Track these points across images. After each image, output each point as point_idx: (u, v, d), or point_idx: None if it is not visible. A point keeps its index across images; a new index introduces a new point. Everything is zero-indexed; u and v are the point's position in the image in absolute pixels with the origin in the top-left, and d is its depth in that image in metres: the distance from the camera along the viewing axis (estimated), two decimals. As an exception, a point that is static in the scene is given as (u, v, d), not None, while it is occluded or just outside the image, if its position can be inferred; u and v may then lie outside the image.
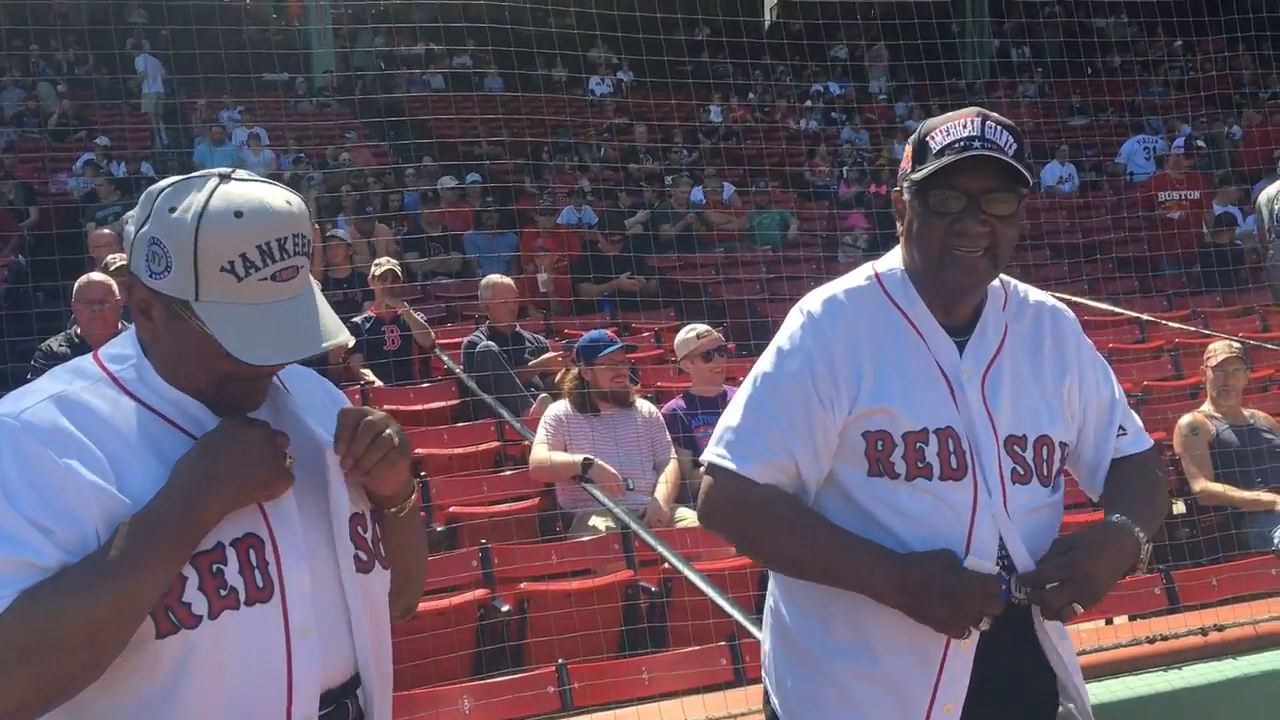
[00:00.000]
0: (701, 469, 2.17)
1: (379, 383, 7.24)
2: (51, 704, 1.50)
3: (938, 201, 2.00)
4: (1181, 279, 9.64)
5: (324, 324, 1.61)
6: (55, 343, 6.07)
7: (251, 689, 1.58)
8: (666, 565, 4.48)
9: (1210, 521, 5.25)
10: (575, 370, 5.61)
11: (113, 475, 1.54)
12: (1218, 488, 5.37)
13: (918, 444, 2.01)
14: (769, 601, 2.24)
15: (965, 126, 2.00)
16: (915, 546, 1.99)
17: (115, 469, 1.54)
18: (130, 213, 1.66)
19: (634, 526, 4.69)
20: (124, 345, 1.68)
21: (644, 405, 5.64)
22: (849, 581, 2.01)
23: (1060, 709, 2.13)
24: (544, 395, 6.33)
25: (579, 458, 5.20)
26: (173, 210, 1.56)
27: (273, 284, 1.56)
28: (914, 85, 17.15)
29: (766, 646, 2.23)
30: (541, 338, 7.41)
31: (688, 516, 5.21)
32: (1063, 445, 2.11)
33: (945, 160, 1.97)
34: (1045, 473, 2.07)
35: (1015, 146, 2.00)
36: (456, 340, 7.95)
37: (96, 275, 6.09)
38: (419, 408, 6.79)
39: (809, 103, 18.61)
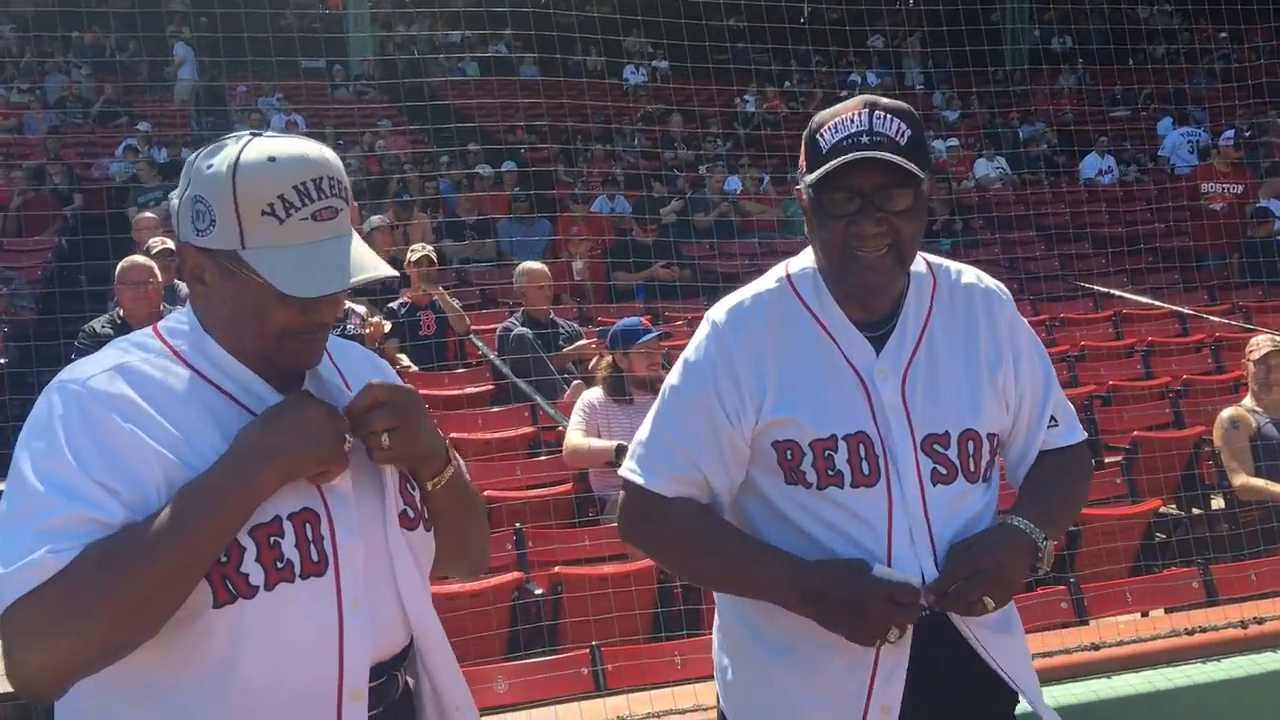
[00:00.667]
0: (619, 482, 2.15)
1: (414, 367, 7.29)
2: (106, 658, 1.52)
3: (830, 204, 1.93)
4: (1225, 271, 9.53)
5: (365, 259, 1.63)
6: (98, 324, 6.14)
7: (305, 661, 1.61)
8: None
9: (1250, 516, 5.19)
10: (609, 357, 5.63)
11: (173, 443, 1.57)
12: (1258, 482, 5.32)
13: (826, 451, 1.96)
14: (717, 601, 2.21)
15: (852, 121, 1.92)
16: (837, 554, 1.95)
17: (175, 438, 1.58)
18: (173, 193, 1.69)
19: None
20: (181, 320, 1.71)
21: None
22: (756, 590, 2.00)
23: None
24: (577, 381, 6.35)
25: (612, 444, 5.22)
26: (209, 167, 1.60)
27: (314, 223, 1.59)
28: (955, 73, 16.99)
29: (715, 645, 2.20)
30: (575, 325, 7.43)
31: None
32: (991, 437, 2.03)
33: (833, 164, 1.89)
34: (972, 469, 1.99)
35: (909, 133, 1.92)
36: (491, 326, 7.99)
37: (139, 257, 6.16)
38: (454, 392, 6.82)
39: (845, 92, 18.50)
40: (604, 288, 9.29)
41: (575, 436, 5.39)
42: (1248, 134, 13.63)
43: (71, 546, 1.48)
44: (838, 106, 1.98)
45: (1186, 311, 8.70)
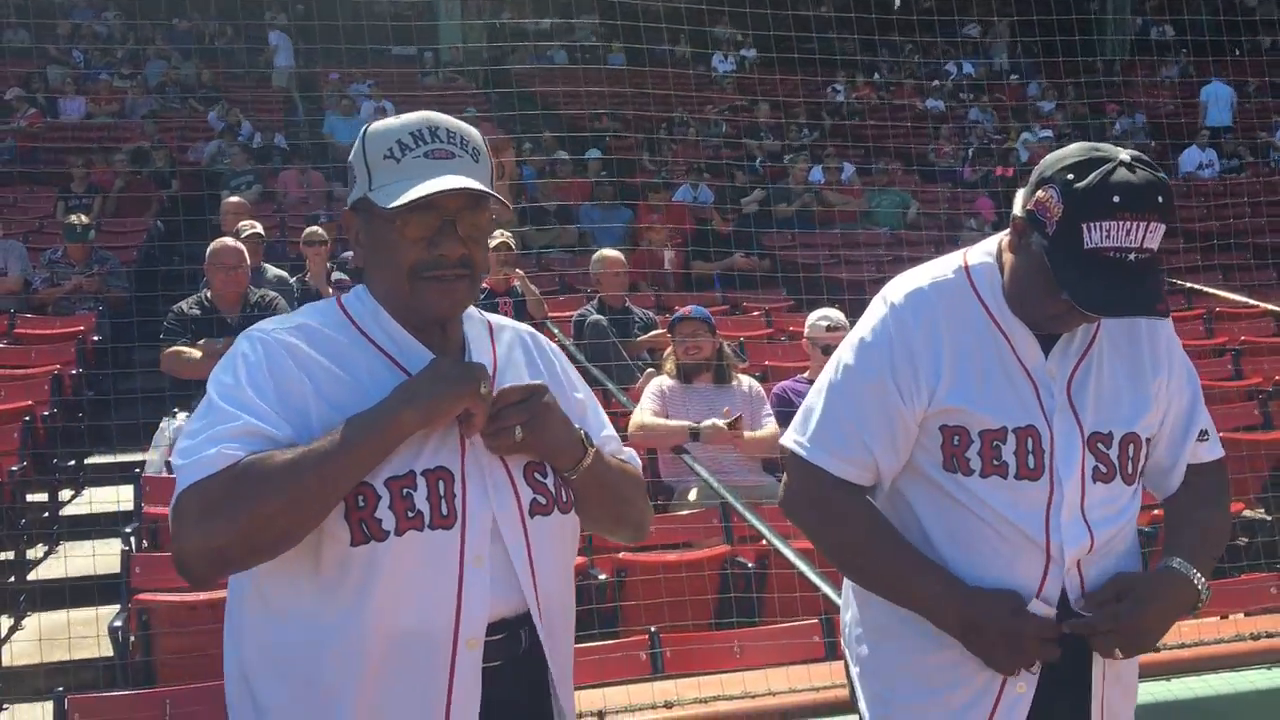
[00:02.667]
0: (781, 455, 2.20)
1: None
2: (254, 554, 1.71)
3: (1062, 305, 1.95)
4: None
5: (475, 182, 1.78)
6: (186, 304, 6.33)
7: (426, 603, 1.75)
8: (764, 542, 4.49)
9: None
10: (671, 345, 5.69)
11: (334, 393, 1.77)
12: (1346, 487, 5.16)
13: (994, 442, 2.00)
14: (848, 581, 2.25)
15: (1129, 234, 1.87)
16: (988, 546, 1.99)
17: (337, 389, 1.78)
18: None
19: (732, 502, 4.71)
20: (360, 293, 1.90)
21: (745, 380, 5.66)
22: (914, 605, 2.04)
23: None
24: (650, 369, 6.39)
25: (685, 424, 5.26)
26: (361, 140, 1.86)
27: (428, 160, 1.79)
28: (1045, 63, 16.61)
29: (846, 618, 2.25)
30: (651, 313, 7.45)
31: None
32: (1148, 442, 2.09)
33: (1092, 286, 1.90)
34: (1130, 470, 2.05)
35: (1163, 232, 1.90)
36: (568, 313, 8.05)
37: (229, 240, 6.33)
38: (529, 378, 6.89)
39: (936, 81, 18.21)
40: (681, 276, 9.30)
41: (644, 415, 5.42)
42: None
43: (240, 449, 1.68)
44: (1110, 195, 1.87)
45: (1282, 310, 8.44)
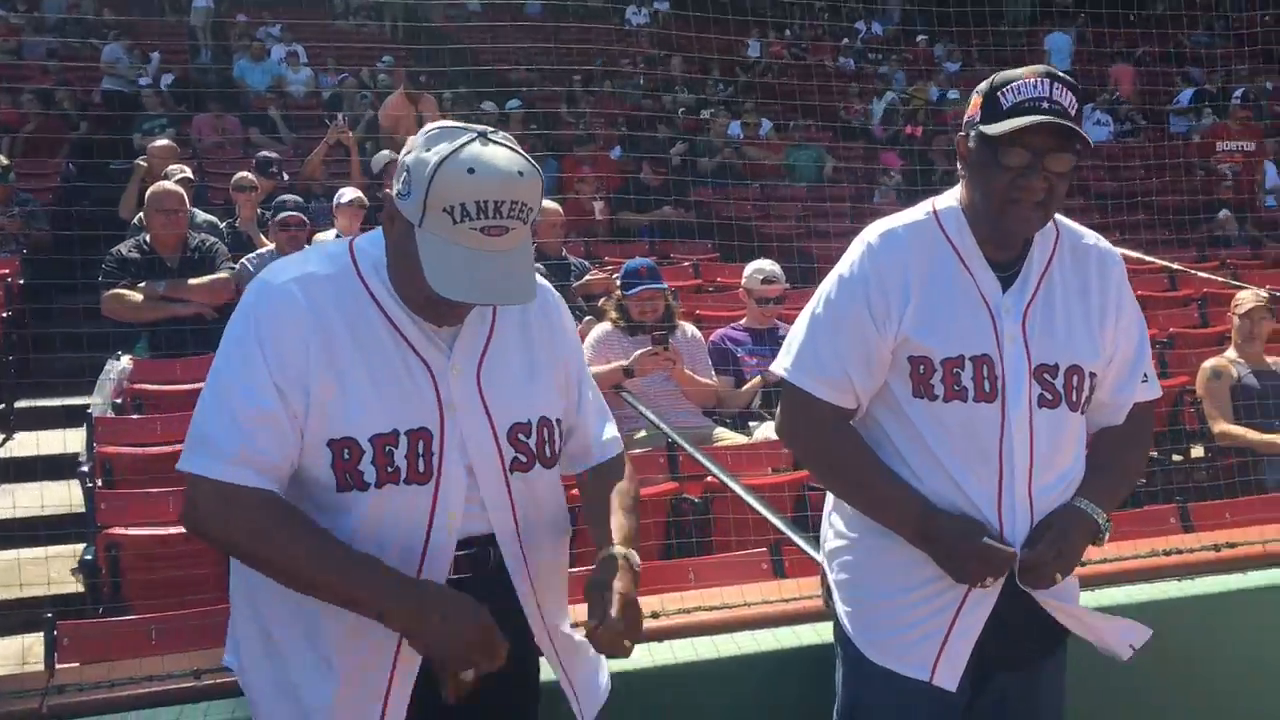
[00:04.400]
0: (773, 378, 2.46)
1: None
2: (242, 559, 1.97)
3: (1006, 156, 2.18)
4: (1216, 227, 9.71)
5: (512, 286, 1.86)
6: (125, 248, 6.32)
7: (395, 546, 1.94)
8: (709, 479, 4.74)
9: (1229, 463, 5.47)
10: (617, 293, 5.84)
11: (332, 359, 1.90)
12: (1237, 429, 5.60)
13: (954, 369, 2.25)
14: (829, 495, 2.52)
15: (1035, 87, 2.18)
16: (951, 461, 2.25)
17: (335, 355, 1.90)
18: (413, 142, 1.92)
19: (679, 440, 4.94)
20: (376, 243, 1.99)
21: (688, 327, 5.87)
22: (884, 519, 2.32)
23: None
24: (589, 317, 6.56)
25: (619, 364, 5.43)
26: (429, 150, 1.85)
27: (480, 235, 1.82)
28: (956, 29, 17.00)
29: (827, 531, 2.51)
30: (585, 262, 7.62)
31: (726, 437, 5.47)
32: (1092, 375, 2.32)
33: (1019, 122, 2.15)
34: (1074, 399, 2.29)
35: (1076, 106, 2.19)
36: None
37: (170, 184, 6.33)
38: (467, 324, 7.02)
39: (846, 40, 18.51)
40: (610, 226, 9.48)
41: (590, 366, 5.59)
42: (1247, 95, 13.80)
43: (263, 480, 1.86)
44: (1018, 71, 2.23)
45: (1175, 267, 8.93)
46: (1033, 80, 2.19)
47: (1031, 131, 2.15)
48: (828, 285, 2.38)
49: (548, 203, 7.44)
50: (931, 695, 2.31)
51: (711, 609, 2.83)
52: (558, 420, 2.11)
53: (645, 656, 2.71)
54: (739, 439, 5.42)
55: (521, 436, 2.02)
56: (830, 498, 2.52)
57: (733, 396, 5.73)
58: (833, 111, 14.60)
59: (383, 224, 1.96)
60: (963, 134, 2.29)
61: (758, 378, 5.77)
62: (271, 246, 6.75)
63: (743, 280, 6.03)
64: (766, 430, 5.49)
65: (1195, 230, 10.04)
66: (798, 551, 4.19)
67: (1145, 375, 2.41)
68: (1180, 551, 3.11)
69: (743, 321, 6.02)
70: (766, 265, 6.01)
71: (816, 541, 4.10)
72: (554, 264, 7.05)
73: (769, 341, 5.89)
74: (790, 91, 13.49)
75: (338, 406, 1.90)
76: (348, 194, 7.62)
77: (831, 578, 2.47)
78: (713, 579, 3.92)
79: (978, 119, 2.24)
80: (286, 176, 9.40)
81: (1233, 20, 19.74)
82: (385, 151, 9.12)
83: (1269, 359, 5.87)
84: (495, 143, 1.85)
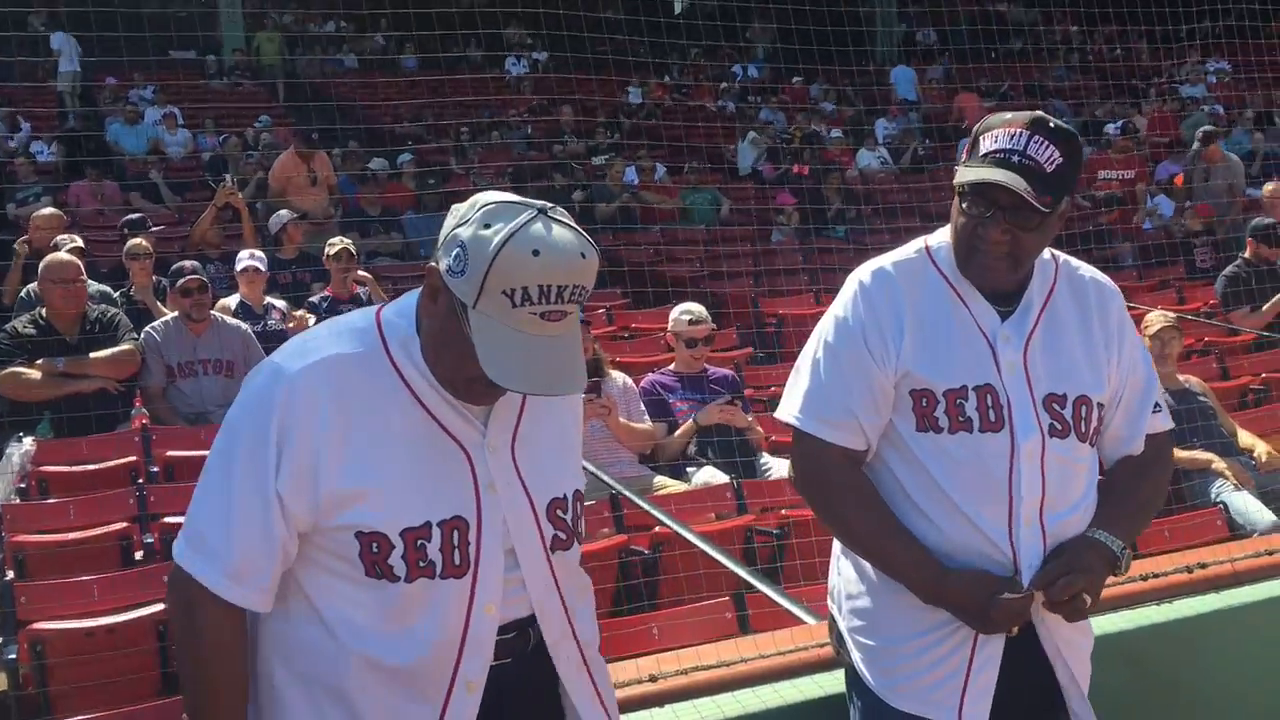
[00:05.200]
0: (782, 424, 2.41)
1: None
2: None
3: (970, 204, 2.19)
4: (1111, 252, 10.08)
5: (568, 372, 1.78)
6: (20, 324, 6.01)
7: (427, 646, 1.83)
8: (657, 530, 4.67)
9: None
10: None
11: (351, 448, 1.79)
12: (1159, 448, 5.73)
13: (958, 400, 2.23)
14: (837, 543, 2.47)
15: (1012, 137, 2.15)
16: (961, 495, 2.22)
17: (357, 441, 1.79)
18: (456, 212, 1.81)
19: (625, 493, 4.87)
20: (404, 315, 1.88)
21: (618, 375, 5.82)
22: (899, 578, 2.27)
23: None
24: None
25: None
26: (488, 227, 1.72)
27: (540, 320, 1.72)
28: (824, 68, 17.43)
29: (834, 580, 2.47)
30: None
31: (668, 485, 5.41)
32: (1100, 405, 2.31)
33: (977, 174, 2.14)
34: (1084, 429, 2.28)
35: (1059, 161, 2.14)
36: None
37: (65, 255, 6.07)
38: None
39: (725, 84, 18.83)
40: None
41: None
42: (1108, 127, 14.39)
43: (252, 594, 1.82)
44: (1011, 116, 2.20)
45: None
46: (1015, 130, 2.17)
47: (990, 185, 2.14)
48: (824, 328, 2.36)
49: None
50: None
51: (709, 668, 2.75)
52: (580, 492, 2.03)
53: (648, 723, 2.62)
54: (680, 486, 5.36)
55: (559, 513, 1.93)
56: (838, 542, 2.47)
57: (669, 443, 5.68)
58: (719, 153, 14.82)
59: (422, 298, 1.84)
60: (957, 187, 2.26)
61: (690, 422, 5.73)
62: (174, 314, 6.49)
63: (670, 324, 6.01)
64: (706, 475, 5.45)
65: (1086, 257, 10.38)
66: (762, 602, 4.16)
67: (1157, 405, 2.41)
68: (1156, 575, 3.14)
69: (671, 367, 5.99)
70: (694, 307, 6.01)
71: (780, 590, 4.09)
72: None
73: (701, 387, 5.87)
74: (677, 134, 13.65)
75: (363, 500, 1.79)
76: (246, 258, 7.40)
77: (843, 624, 2.42)
78: (678, 635, 3.84)
79: (963, 159, 2.24)
80: (178, 245, 9.12)
81: (1090, 55, 20.74)
82: (283, 212, 8.92)
83: (1180, 377, 6.05)
84: (556, 221, 1.75)
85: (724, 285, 9.27)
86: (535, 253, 1.69)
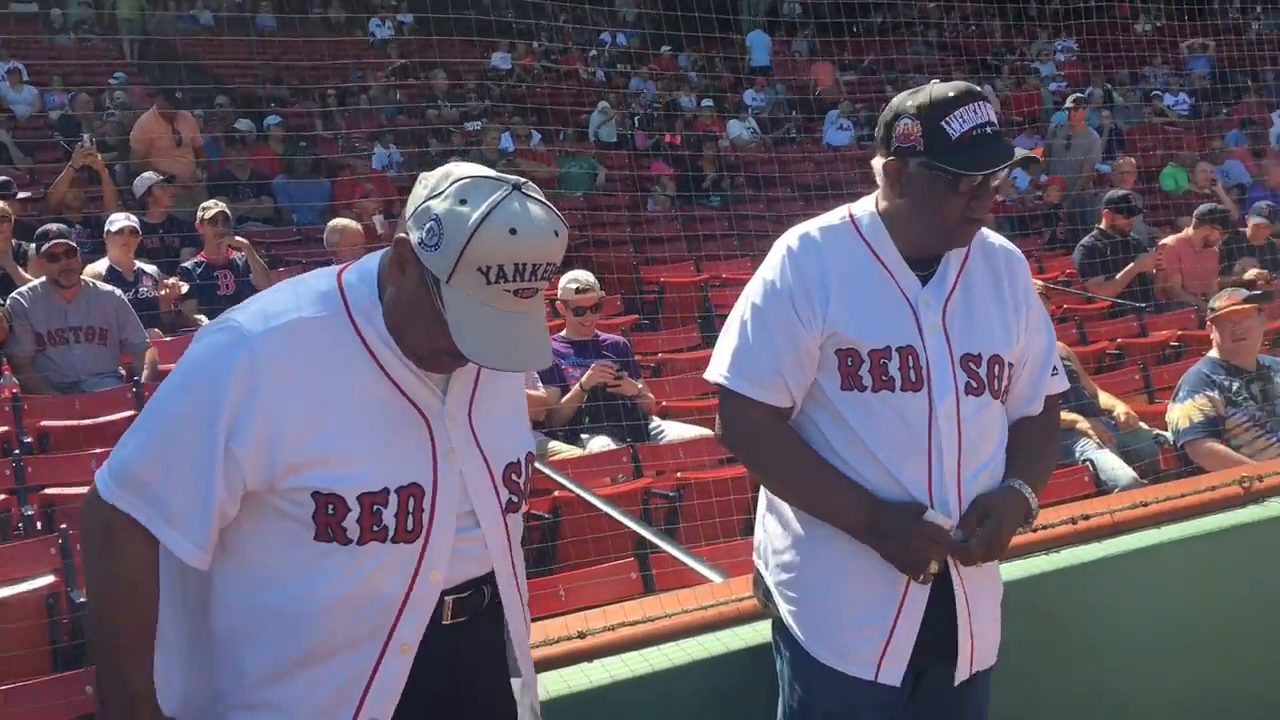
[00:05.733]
0: (711, 383, 2.48)
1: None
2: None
3: (967, 183, 2.27)
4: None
5: (537, 347, 1.81)
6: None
7: (366, 609, 1.85)
8: (557, 494, 4.72)
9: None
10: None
11: (310, 413, 1.79)
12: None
13: (881, 360, 2.33)
14: (763, 497, 2.56)
15: (975, 112, 2.26)
16: (884, 451, 2.33)
17: (316, 406, 1.79)
18: (423, 182, 1.80)
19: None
20: (366, 280, 1.87)
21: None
22: (831, 517, 2.37)
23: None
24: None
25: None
26: (464, 203, 1.72)
27: (512, 297, 1.74)
28: (688, 37, 17.51)
29: (760, 535, 2.56)
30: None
31: (562, 450, 5.45)
32: (1010, 365, 2.44)
33: (1012, 154, 2.28)
34: (997, 387, 2.40)
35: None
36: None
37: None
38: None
39: (595, 52, 18.79)
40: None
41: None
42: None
43: (141, 512, 1.80)
44: (946, 92, 2.28)
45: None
46: (970, 106, 2.26)
47: (992, 161, 2.26)
48: (752, 290, 2.44)
49: (351, 223, 7.22)
50: (877, 692, 2.37)
51: (635, 623, 2.82)
52: (533, 453, 2.08)
53: (580, 677, 2.67)
54: (576, 451, 5.41)
55: (514, 476, 1.96)
56: (763, 500, 2.56)
57: (560, 407, 5.72)
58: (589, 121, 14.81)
59: (389, 268, 1.83)
60: (893, 159, 2.33)
61: (577, 387, 5.77)
62: (39, 280, 6.23)
63: (558, 292, 6.03)
64: (600, 442, 5.51)
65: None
66: (665, 562, 4.25)
67: (1055, 368, 2.54)
68: (1045, 527, 3.32)
69: (563, 333, 6.01)
70: (581, 275, 6.03)
71: (686, 550, 4.19)
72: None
73: (591, 352, 5.91)
74: (546, 102, 13.61)
75: (324, 465, 1.79)
76: (119, 220, 7.13)
77: (769, 578, 2.51)
78: (584, 596, 3.90)
79: (921, 149, 2.28)
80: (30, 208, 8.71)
81: (946, 31, 21.35)
82: (149, 174, 8.58)
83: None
84: (530, 198, 1.76)
85: (605, 253, 9.31)
86: (512, 231, 1.70)
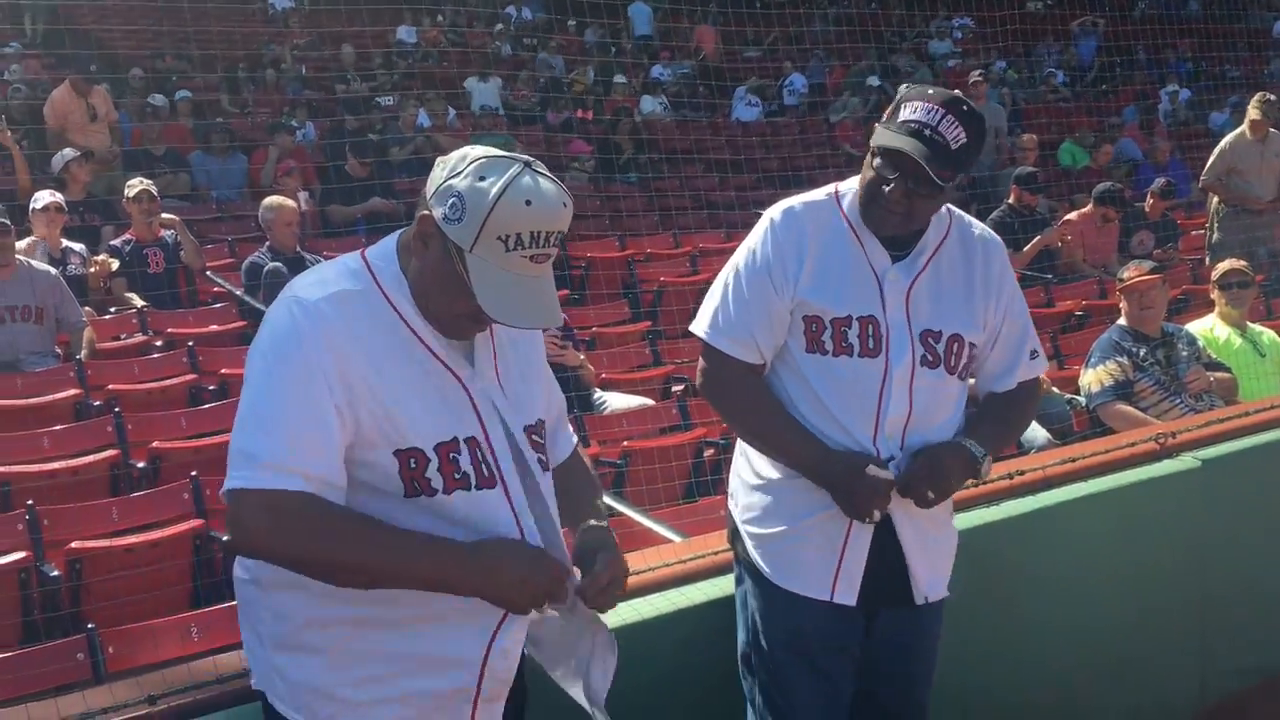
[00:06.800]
0: (696, 335, 2.72)
1: (139, 303, 7.09)
2: (294, 568, 1.95)
3: (880, 163, 2.47)
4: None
5: (550, 307, 2.00)
6: None
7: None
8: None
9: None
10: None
11: (373, 372, 1.94)
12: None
13: (842, 328, 2.56)
14: (737, 448, 2.82)
15: (929, 112, 2.42)
16: (838, 409, 2.57)
17: (376, 366, 1.95)
18: (441, 164, 1.97)
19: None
20: (388, 258, 2.04)
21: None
22: (789, 460, 2.63)
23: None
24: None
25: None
26: (483, 179, 1.90)
27: (528, 262, 1.92)
28: (591, 8, 17.56)
29: (734, 482, 2.81)
30: (321, 258, 7.45)
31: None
32: (971, 345, 2.62)
33: (891, 143, 2.43)
34: (953, 364, 2.59)
35: (964, 141, 2.42)
36: (214, 263, 7.86)
37: None
38: (202, 330, 6.73)
39: (500, 26, 18.72)
40: (318, 219, 9.27)
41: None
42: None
43: (309, 485, 1.87)
44: (933, 91, 2.48)
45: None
46: (932, 106, 2.43)
47: (899, 152, 2.43)
48: (738, 257, 2.67)
49: (286, 200, 7.23)
50: (830, 614, 2.62)
51: (653, 569, 3.03)
52: (543, 420, 2.22)
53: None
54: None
55: (535, 437, 2.12)
56: (736, 455, 2.81)
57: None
58: (503, 98, 14.81)
59: (412, 243, 2.00)
60: (873, 147, 2.54)
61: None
62: (-31, 259, 6.15)
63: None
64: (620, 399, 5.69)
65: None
66: (623, 525, 4.46)
67: (1034, 352, 2.73)
68: (985, 481, 3.60)
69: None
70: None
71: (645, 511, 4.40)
72: (291, 260, 6.87)
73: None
74: (453, 77, 13.57)
75: (393, 419, 1.94)
76: (44, 197, 7.05)
77: (738, 518, 2.76)
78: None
79: (883, 119, 2.54)
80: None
81: (845, 6, 21.74)
82: (67, 150, 8.45)
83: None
84: (539, 174, 1.94)
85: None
86: (528, 203, 1.89)
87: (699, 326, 2.69)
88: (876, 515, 2.55)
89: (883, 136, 2.48)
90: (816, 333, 2.57)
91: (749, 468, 2.74)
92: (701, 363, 2.73)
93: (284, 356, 1.93)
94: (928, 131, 2.41)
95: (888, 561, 2.62)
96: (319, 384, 1.90)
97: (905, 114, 2.47)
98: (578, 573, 2.03)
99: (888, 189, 2.47)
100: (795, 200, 2.67)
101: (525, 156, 1.97)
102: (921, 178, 2.42)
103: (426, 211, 1.96)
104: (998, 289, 2.66)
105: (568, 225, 1.97)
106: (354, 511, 1.92)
